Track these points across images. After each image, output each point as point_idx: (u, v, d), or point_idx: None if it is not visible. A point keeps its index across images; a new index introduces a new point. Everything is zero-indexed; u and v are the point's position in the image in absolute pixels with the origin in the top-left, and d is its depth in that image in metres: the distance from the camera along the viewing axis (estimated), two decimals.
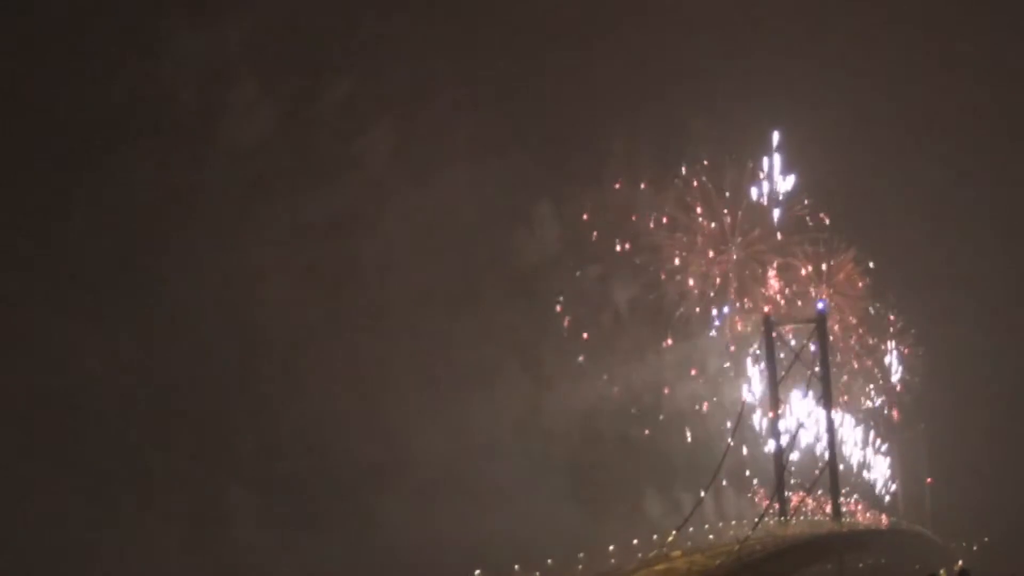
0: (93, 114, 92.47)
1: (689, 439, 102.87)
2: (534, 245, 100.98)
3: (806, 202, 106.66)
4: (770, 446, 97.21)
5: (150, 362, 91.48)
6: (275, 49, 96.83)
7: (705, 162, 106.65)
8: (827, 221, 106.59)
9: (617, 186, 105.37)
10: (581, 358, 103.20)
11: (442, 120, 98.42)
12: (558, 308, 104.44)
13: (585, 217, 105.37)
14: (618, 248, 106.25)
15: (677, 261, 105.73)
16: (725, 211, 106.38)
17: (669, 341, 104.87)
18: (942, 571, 70.96)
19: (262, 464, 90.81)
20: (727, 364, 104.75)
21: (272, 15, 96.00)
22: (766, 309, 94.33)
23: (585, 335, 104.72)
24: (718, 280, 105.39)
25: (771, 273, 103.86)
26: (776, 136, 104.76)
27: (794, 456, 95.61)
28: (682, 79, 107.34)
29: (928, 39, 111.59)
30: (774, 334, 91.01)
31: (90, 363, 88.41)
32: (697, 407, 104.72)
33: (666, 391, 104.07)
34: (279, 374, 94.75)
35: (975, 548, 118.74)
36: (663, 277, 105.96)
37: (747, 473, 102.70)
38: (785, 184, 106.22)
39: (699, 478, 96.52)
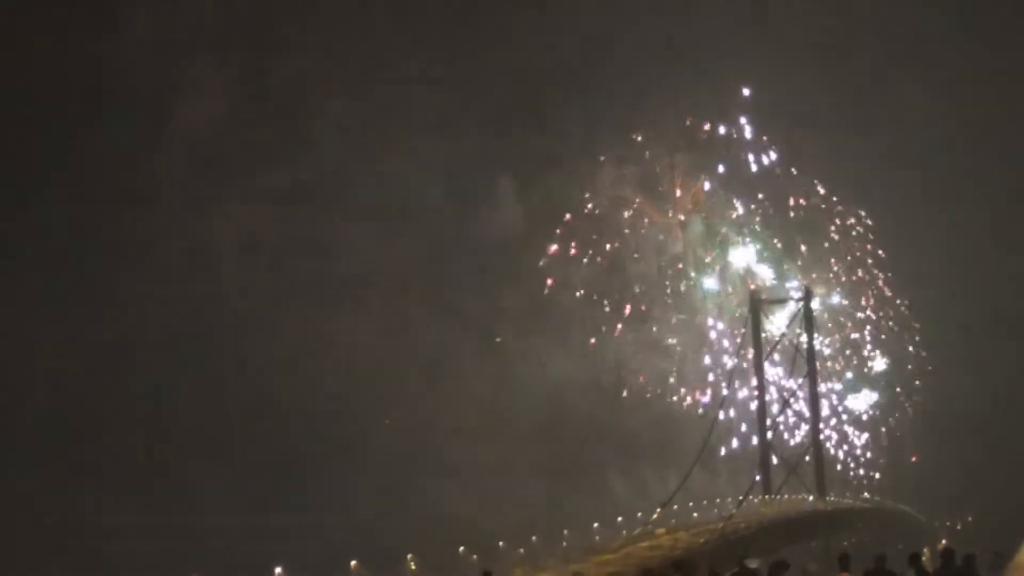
0: (43, 90, 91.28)
1: (655, 417, 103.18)
2: (495, 224, 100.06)
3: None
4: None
5: (102, 340, 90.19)
6: (230, 25, 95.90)
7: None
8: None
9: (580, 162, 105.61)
10: (544, 336, 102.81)
11: (399, 97, 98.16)
12: (521, 287, 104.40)
13: (551, 215, 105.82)
14: (580, 225, 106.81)
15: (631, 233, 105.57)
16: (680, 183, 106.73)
17: (627, 309, 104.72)
18: (926, 549, 70.79)
19: (221, 445, 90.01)
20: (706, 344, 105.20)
21: None
22: (752, 285, 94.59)
23: (548, 313, 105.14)
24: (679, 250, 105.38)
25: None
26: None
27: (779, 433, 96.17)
28: (644, 49, 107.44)
29: None
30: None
31: (37, 340, 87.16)
32: (659, 389, 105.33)
33: (631, 368, 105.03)
34: (235, 353, 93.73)
35: (959, 527, 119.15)
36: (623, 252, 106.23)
37: (722, 453, 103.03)
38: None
39: (667, 456, 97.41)
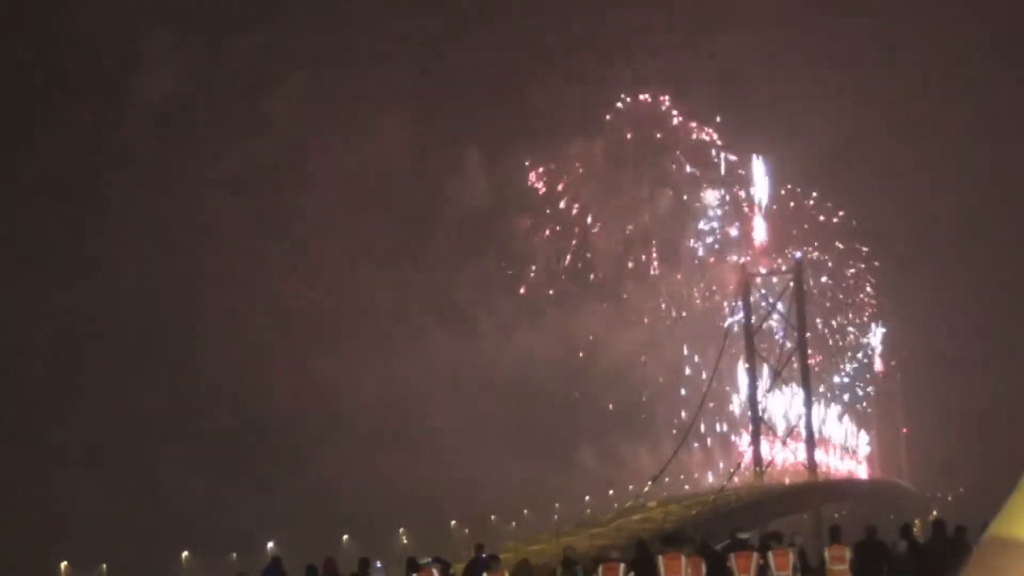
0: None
1: (627, 393, 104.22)
2: (465, 198, 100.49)
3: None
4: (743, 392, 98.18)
5: (67, 317, 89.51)
6: (188, 0, 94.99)
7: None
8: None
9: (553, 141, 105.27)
10: (514, 311, 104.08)
11: (362, 73, 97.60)
12: (492, 262, 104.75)
13: (522, 175, 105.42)
14: (554, 195, 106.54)
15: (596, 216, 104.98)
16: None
17: (592, 278, 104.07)
18: (917, 521, 70.82)
19: (187, 418, 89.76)
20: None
21: None
22: (743, 259, 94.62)
23: (520, 289, 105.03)
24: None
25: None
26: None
27: (769, 406, 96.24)
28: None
29: None
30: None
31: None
32: (634, 362, 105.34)
33: (602, 344, 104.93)
34: (203, 327, 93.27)
35: (949, 498, 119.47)
36: (595, 229, 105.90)
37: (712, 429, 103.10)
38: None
39: (642, 431, 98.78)
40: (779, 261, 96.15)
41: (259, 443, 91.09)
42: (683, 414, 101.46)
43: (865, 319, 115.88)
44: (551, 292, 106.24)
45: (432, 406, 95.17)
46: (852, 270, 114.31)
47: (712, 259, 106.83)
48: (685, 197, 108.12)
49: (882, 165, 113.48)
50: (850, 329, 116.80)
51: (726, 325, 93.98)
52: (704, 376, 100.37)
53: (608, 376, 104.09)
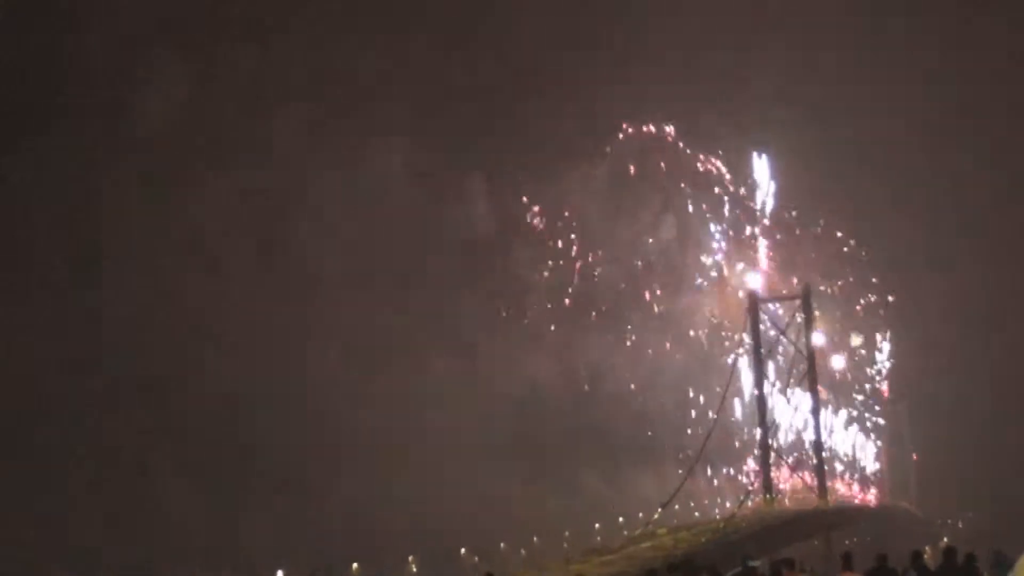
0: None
1: (631, 418, 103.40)
2: (467, 225, 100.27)
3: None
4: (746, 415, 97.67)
5: (63, 339, 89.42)
6: (187, 22, 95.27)
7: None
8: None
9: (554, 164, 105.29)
10: (519, 337, 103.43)
11: (366, 98, 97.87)
12: (494, 288, 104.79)
13: (524, 199, 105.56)
14: (555, 226, 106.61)
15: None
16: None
17: (593, 316, 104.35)
18: (927, 548, 70.62)
19: (188, 442, 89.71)
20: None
21: None
22: (751, 285, 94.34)
23: (521, 316, 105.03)
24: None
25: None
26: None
27: (780, 434, 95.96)
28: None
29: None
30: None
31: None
32: (633, 386, 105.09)
33: (605, 369, 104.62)
34: (206, 352, 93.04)
35: (960, 525, 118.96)
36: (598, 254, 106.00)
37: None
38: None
39: (644, 456, 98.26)
40: (792, 283, 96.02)
41: (262, 470, 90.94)
42: (689, 431, 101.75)
43: (875, 352, 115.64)
44: (554, 319, 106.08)
45: (436, 431, 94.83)
46: (863, 301, 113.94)
47: (718, 285, 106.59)
48: (691, 208, 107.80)
49: (893, 195, 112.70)
50: (857, 358, 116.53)
51: (731, 360, 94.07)
52: (703, 400, 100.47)
53: (612, 402, 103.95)
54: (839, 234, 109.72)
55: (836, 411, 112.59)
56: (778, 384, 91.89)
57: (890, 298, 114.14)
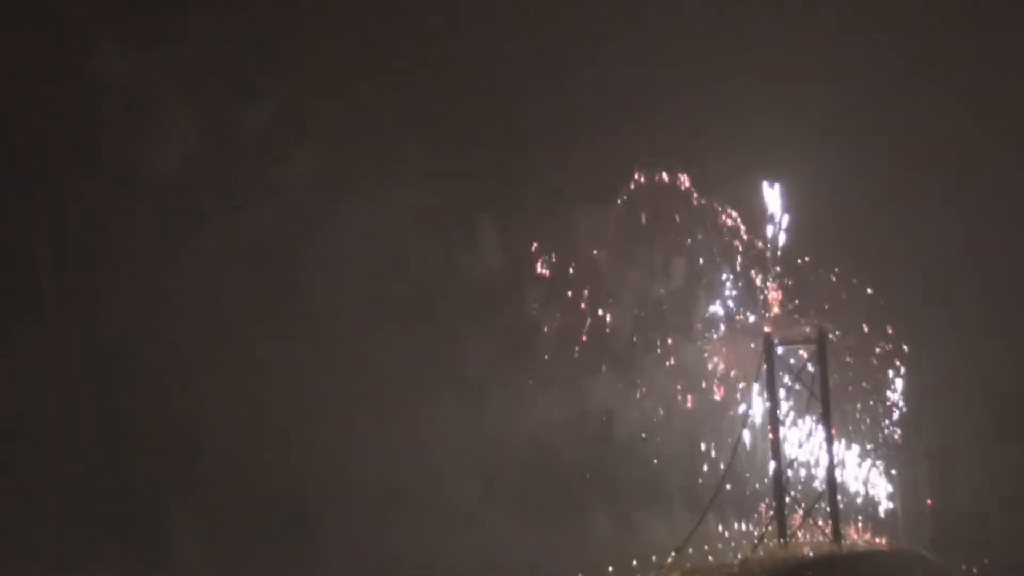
0: (13, 137, 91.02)
1: (642, 462, 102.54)
2: (478, 268, 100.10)
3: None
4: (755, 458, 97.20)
5: (73, 384, 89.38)
6: (202, 74, 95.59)
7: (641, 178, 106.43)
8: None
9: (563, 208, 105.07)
10: (529, 380, 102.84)
11: (377, 141, 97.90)
12: (506, 331, 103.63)
13: (534, 247, 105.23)
14: (566, 270, 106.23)
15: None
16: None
17: (604, 362, 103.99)
18: None
19: (200, 486, 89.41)
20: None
21: (199, 40, 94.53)
22: (767, 328, 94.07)
23: (532, 358, 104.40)
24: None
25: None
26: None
27: (792, 475, 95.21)
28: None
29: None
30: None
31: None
32: (644, 433, 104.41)
33: (616, 414, 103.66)
34: (214, 392, 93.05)
35: (975, 570, 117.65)
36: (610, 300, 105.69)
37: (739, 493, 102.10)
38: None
39: (655, 499, 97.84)
40: (804, 324, 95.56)
41: (271, 511, 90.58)
42: (701, 480, 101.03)
43: (888, 393, 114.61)
44: (565, 363, 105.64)
45: (446, 474, 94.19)
46: (877, 349, 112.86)
47: (728, 333, 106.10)
48: (701, 261, 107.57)
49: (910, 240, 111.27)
50: (872, 402, 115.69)
51: (742, 412, 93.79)
52: (713, 451, 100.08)
53: (623, 446, 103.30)
54: (855, 281, 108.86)
55: (848, 446, 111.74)
56: (791, 420, 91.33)
57: (905, 348, 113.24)
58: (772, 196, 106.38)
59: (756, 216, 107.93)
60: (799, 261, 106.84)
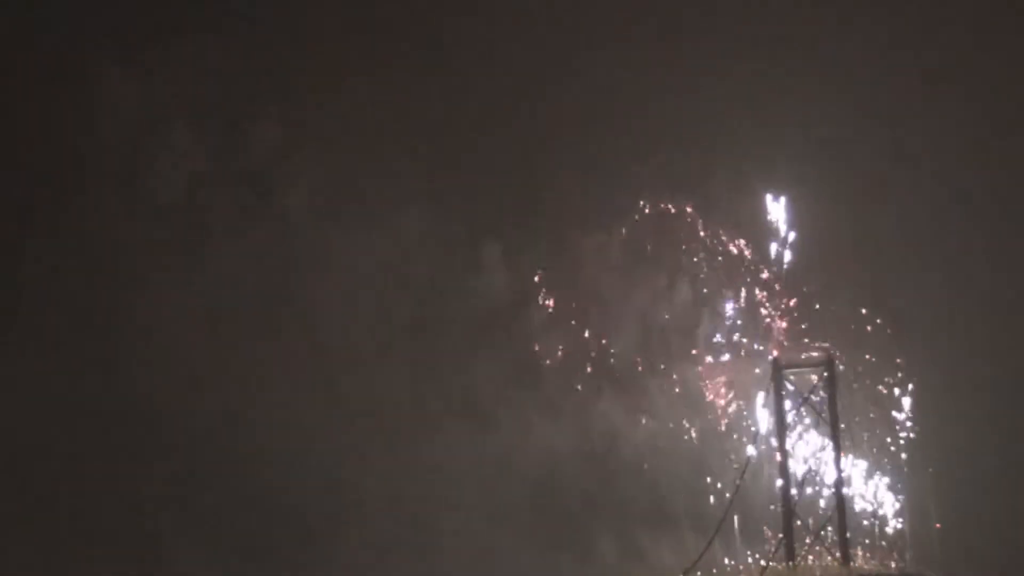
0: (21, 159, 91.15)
1: (648, 485, 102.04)
2: (484, 292, 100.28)
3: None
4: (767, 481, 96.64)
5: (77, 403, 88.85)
6: (206, 96, 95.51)
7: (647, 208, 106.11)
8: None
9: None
10: (535, 405, 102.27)
11: (382, 166, 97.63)
12: (511, 355, 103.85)
13: (537, 278, 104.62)
14: (571, 295, 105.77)
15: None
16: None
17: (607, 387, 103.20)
18: None
19: (200, 509, 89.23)
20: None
21: (203, 63, 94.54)
22: (775, 352, 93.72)
23: (538, 382, 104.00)
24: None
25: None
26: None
27: (800, 497, 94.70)
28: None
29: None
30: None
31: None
32: (648, 462, 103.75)
33: (621, 438, 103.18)
34: (217, 417, 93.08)
35: None
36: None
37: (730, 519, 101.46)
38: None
39: (662, 523, 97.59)
40: (812, 349, 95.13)
41: (274, 535, 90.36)
42: (712, 498, 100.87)
43: (896, 424, 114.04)
44: (570, 388, 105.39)
45: (452, 499, 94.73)
46: (887, 379, 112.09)
47: (735, 353, 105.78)
48: (705, 291, 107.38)
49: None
50: (879, 431, 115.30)
51: (751, 432, 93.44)
52: (719, 485, 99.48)
53: (628, 470, 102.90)
54: (863, 311, 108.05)
55: (854, 463, 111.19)
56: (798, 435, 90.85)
57: (910, 386, 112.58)
58: (778, 209, 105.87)
59: (761, 233, 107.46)
60: (804, 290, 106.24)
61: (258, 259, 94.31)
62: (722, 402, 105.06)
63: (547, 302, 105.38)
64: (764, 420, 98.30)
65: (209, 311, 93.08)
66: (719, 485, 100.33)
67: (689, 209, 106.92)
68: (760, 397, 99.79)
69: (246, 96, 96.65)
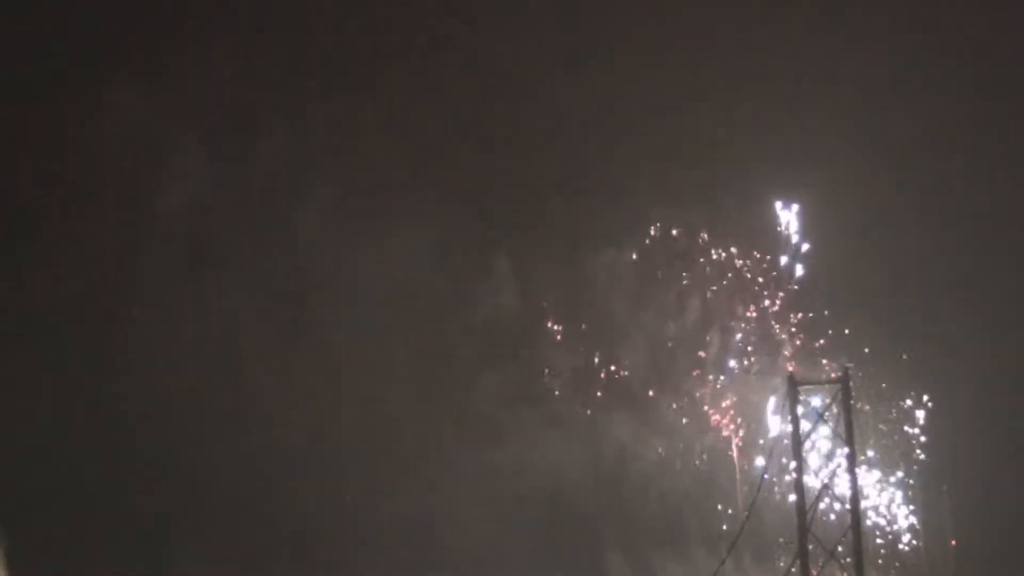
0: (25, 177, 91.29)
1: (659, 502, 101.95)
2: (496, 310, 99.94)
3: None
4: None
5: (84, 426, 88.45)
6: (214, 111, 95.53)
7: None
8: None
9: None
10: (543, 422, 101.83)
11: (391, 186, 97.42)
12: (521, 374, 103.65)
13: (547, 303, 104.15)
14: (580, 312, 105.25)
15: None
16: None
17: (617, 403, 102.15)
18: None
19: (205, 527, 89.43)
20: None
21: (211, 78, 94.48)
22: (790, 368, 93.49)
23: (547, 398, 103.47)
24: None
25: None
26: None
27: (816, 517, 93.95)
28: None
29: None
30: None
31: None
32: (657, 481, 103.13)
33: (630, 455, 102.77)
34: (225, 435, 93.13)
35: None
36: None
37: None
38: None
39: (673, 541, 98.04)
40: (827, 366, 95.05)
41: (279, 554, 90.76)
42: (728, 512, 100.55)
43: (912, 440, 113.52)
44: (579, 405, 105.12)
45: (458, 517, 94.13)
46: (899, 403, 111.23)
47: (746, 370, 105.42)
48: (713, 309, 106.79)
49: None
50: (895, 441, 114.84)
51: (764, 471, 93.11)
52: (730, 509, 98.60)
53: (638, 487, 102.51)
54: (872, 343, 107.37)
55: (868, 474, 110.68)
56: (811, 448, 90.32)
57: (926, 398, 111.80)
58: (789, 218, 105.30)
59: (771, 244, 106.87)
60: (812, 315, 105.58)
61: (266, 275, 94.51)
62: (728, 424, 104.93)
63: (556, 327, 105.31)
64: (775, 426, 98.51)
65: (215, 329, 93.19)
66: (729, 511, 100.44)
67: (701, 232, 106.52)
68: (771, 403, 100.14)
69: (254, 109, 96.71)
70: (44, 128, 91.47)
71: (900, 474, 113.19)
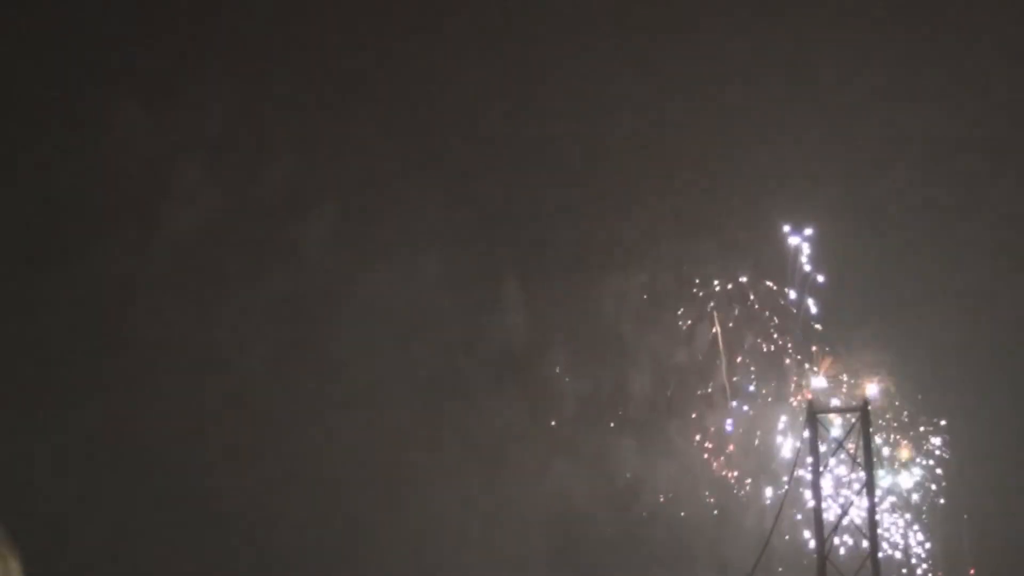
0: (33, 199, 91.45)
1: (670, 528, 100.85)
2: (504, 334, 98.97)
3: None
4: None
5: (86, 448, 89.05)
6: (223, 134, 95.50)
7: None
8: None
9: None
10: (552, 447, 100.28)
11: (401, 205, 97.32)
12: (530, 397, 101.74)
13: (557, 312, 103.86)
14: (590, 335, 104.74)
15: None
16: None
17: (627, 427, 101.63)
18: None
19: (216, 554, 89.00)
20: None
21: (219, 100, 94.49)
22: (809, 395, 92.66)
23: (556, 423, 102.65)
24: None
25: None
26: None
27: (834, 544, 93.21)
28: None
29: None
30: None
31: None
32: (670, 508, 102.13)
33: (640, 481, 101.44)
34: (229, 456, 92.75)
35: None
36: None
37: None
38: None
39: (684, 567, 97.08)
40: (843, 387, 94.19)
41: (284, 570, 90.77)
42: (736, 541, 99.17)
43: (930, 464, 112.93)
44: (589, 430, 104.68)
45: (467, 542, 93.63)
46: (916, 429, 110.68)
47: (760, 398, 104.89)
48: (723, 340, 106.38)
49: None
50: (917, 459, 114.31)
51: (782, 493, 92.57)
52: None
53: (648, 513, 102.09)
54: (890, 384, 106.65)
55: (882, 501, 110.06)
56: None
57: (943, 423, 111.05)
58: (802, 247, 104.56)
59: (785, 274, 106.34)
60: (827, 348, 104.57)
61: (274, 298, 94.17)
62: (740, 451, 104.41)
63: (563, 357, 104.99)
64: (787, 447, 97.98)
65: (224, 352, 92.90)
66: (743, 543, 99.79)
67: (711, 260, 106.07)
68: (782, 428, 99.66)
69: (262, 132, 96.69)
70: (49, 148, 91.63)
71: (916, 501, 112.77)
